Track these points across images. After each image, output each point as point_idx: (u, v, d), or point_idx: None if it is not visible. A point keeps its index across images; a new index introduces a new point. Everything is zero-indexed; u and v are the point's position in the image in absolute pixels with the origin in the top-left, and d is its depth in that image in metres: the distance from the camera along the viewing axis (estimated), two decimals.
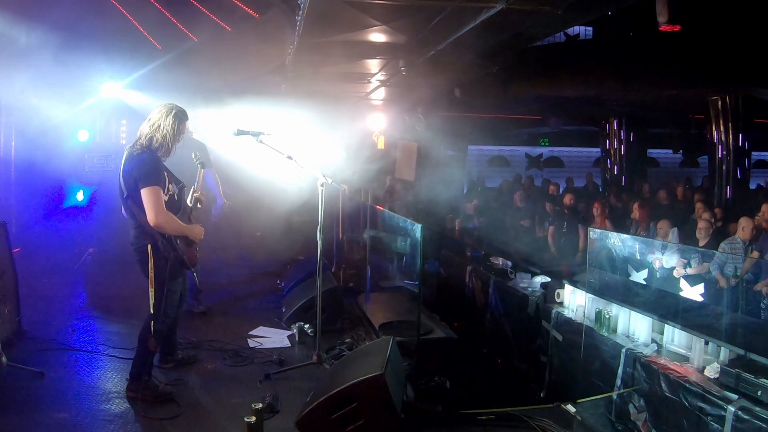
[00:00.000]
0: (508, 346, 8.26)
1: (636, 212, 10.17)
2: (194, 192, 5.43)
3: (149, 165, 4.92)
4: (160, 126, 5.02)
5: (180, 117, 5.17)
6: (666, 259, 8.18)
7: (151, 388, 5.13)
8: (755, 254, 7.95)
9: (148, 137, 5.01)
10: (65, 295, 8.34)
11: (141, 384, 5.04)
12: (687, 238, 9.36)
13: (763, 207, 8.57)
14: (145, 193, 4.83)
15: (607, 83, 14.43)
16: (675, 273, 8.08)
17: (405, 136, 14.58)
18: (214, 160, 7.82)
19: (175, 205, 5.13)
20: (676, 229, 9.24)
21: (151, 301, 4.99)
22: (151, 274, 4.96)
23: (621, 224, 10.96)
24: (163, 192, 4.95)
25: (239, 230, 8.49)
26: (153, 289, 4.99)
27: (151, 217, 4.83)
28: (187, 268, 5.32)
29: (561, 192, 14.95)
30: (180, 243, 5.11)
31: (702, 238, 8.77)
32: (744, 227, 8.17)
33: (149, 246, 4.95)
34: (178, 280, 5.30)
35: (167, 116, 5.07)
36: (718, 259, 8.03)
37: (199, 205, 5.48)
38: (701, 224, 8.84)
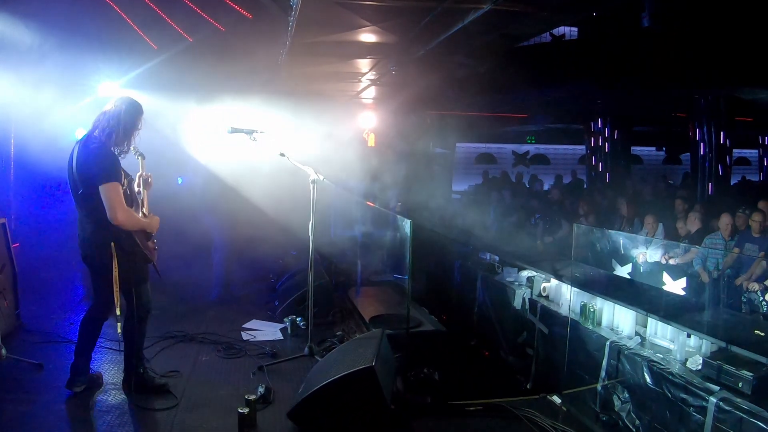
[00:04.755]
0: (495, 339, 8.35)
1: (624, 208, 10.32)
2: (140, 176, 5.21)
3: (108, 160, 4.73)
4: (118, 121, 4.83)
5: (137, 112, 5.01)
6: (650, 253, 8.34)
7: (147, 381, 5.17)
8: (736, 250, 8.11)
9: (106, 132, 4.80)
10: (63, 289, 8.39)
11: (137, 376, 5.09)
12: (669, 233, 9.51)
13: (761, 204, 8.71)
14: (106, 190, 4.64)
15: (592, 82, 14.55)
16: (662, 259, 8.21)
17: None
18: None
19: (128, 199, 4.93)
20: (661, 224, 9.38)
21: (116, 301, 4.81)
22: (116, 272, 4.75)
23: (606, 220, 11.12)
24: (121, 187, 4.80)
25: (234, 227, 8.55)
26: (117, 289, 4.79)
27: (112, 214, 4.64)
28: (147, 262, 5.12)
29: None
30: (139, 237, 4.95)
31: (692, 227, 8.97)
32: (726, 225, 8.34)
33: (112, 244, 4.74)
34: (144, 274, 5.13)
35: (124, 111, 4.89)
36: (700, 254, 8.19)
37: (147, 187, 5.28)
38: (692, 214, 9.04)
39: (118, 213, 4.66)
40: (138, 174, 5.21)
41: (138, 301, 4.99)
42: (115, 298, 4.79)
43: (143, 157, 5.31)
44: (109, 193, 4.64)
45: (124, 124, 4.85)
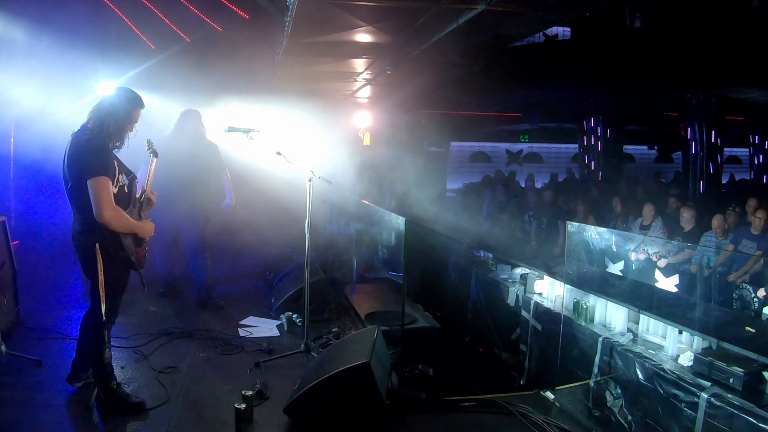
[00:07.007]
0: (489, 336, 8.42)
1: (618, 207, 10.40)
2: (144, 191, 4.92)
3: (97, 153, 4.39)
4: (111, 111, 4.52)
5: (133, 102, 4.67)
6: (648, 242, 8.37)
7: (122, 398, 4.78)
8: (730, 247, 8.17)
9: (98, 123, 4.47)
10: (62, 286, 8.30)
11: (105, 391, 4.73)
12: (670, 228, 9.55)
13: (750, 201, 8.77)
14: (92, 185, 4.30)
15: (584, 82, 14.62)
16: (654, 257, 8.27)
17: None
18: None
19: (124, 198, 4.62)
20: (660, 217, 9.43)
21: (103, 307, 4.54)
22: (101, 277, 4.47)
23: (601, 218, 11.19)
24: (113, 184, 4.44)
25: (231, 225, 8.59)
26: (104, 294, 4.51)
27: (98, 211, 4.30)
28: (133, 269, 4.77)
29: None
30: (129, 241, 4.60)
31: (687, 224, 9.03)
32: (717, 226, 8.42)
33: (97, 245, 4.44)
34: (123, 283, 4.78)
35: (119, 101, 4.60)
36: (699, 252, 8.24)
37: (149, 206, 4.97)
38: (686, 213, 9.11)
39: (105, 210, 4.32)
40: (142, 186, 4.95)
41: (109, 312, 4.65)
42: (102, 304, 4.54)
43: (156, 155, 5.07)
44: (97, 188, 4.31)
45: (116, 115, 4.53)
